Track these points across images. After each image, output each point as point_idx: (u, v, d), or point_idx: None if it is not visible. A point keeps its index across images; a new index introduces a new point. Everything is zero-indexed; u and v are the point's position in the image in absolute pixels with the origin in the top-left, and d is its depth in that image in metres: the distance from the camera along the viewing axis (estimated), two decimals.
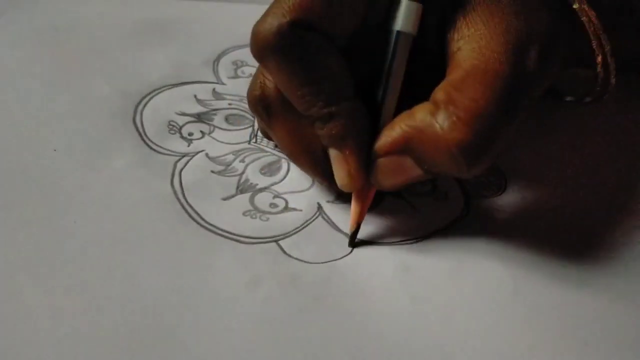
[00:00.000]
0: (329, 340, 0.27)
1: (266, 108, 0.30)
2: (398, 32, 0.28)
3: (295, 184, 0.33)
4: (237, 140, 0.35)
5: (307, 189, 0.33)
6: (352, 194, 0.30)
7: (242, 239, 0.30)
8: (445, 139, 0.26)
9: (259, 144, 0.35)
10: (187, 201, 0.32)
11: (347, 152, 0.28)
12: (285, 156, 0.34)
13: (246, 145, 0.35)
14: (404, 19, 0.28)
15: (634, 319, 0.28)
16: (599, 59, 0.32)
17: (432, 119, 0.26)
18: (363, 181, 0.29)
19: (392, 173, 0.28)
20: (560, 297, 0.29)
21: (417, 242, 0.31)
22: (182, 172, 0.33)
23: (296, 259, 0.30)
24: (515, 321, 0.28)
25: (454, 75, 0.27)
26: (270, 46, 0.27)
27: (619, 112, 0.38)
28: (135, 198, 0.32)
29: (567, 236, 0.31)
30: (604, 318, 0.28)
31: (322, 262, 0.30)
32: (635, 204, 0.33)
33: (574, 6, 0.31)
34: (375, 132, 0.29)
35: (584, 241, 0.31)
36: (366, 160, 0.29)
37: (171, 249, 0.30)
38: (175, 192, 0.32)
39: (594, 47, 0.31)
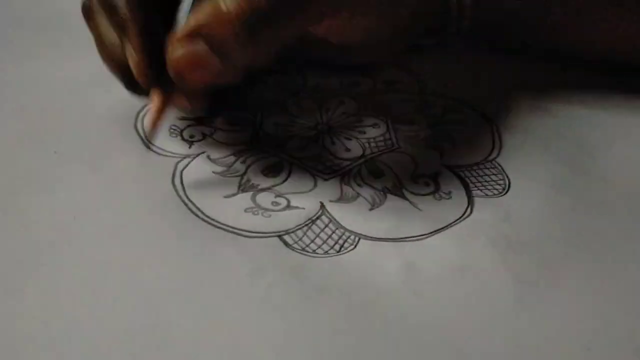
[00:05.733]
0: (332, 334, 0.26)
1: (87, 11, 0.34)
2: None
3: (298, 185, 0.33)
4: (238, 142, 0.35)
5: (310, 190, 0.33)
6: (151, 92, 0.32)
7: (244, 232, 0.30)
8: (229, 13, 0.29)
9: (260, 144, 0.35)
10: (188, 198, 0.32)
11: (131, 42, 0.31)
12: (286, 157, 0.34)
13: (247, 146, 0.35)
14: None
15: (637, 325, 0.28)
16: None
17: (220, 1, 0.30)
18: (148, 71, 0.31)
19: (189, 63, 0.30)
20: (563, 299, 0.28)
21: (420, 240, 0.31)
22: (183, 173, 0.33)
23: (299, 252, 0.30)
24: (517, 321, 0.27)
25: None
26: None
27: (627, 114, 0.38)
28: (136, 196, 0.32)
29: (570, 237, 0.31)
30: (607, 323, 0.28)
31: (325, 257, 0.29)
32: None
33: None
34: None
35: (587, 243, 0.31)
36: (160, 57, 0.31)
37: (172, 243, 0.29)
38: (176, 190, 0.32)
39: None
